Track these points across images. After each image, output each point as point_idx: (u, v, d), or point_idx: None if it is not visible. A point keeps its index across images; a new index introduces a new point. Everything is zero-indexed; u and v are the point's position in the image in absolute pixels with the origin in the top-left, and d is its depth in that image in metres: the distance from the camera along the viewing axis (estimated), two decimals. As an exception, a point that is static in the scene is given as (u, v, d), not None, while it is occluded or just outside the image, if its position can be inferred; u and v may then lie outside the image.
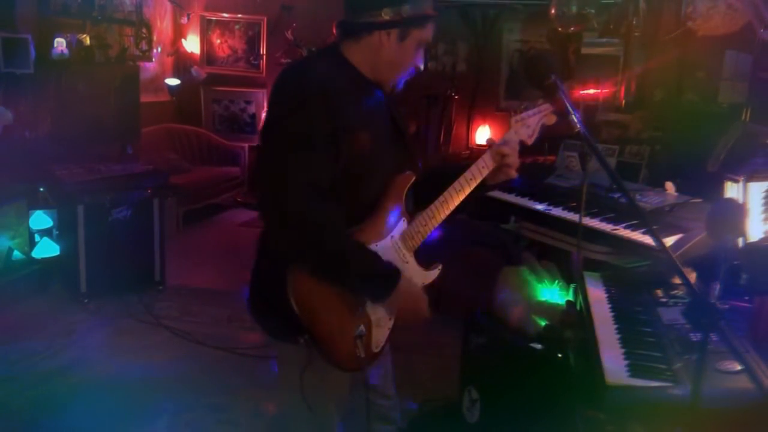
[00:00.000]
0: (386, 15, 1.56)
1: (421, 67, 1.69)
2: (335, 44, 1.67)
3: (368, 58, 1.62)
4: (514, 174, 1.72)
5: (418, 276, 1.71)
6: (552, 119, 1.75)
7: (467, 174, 1.68)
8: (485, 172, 1.69)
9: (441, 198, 1.68)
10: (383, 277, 1.55)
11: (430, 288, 1.74)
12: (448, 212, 1.69)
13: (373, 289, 1.56)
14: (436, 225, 1.69)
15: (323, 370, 1.60)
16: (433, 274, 1.74)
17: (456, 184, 1.68)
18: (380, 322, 1.65)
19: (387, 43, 1.59)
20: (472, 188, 1.69)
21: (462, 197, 1.69)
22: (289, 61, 6.76)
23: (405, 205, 1.68)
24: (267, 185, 1.50)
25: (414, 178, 1.70)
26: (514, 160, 1.68)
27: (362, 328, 1.59)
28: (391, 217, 1.65)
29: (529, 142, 1.73)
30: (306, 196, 1.45)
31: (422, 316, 1.65)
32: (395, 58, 1.62)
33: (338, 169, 1.52)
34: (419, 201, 1.71)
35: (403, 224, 1.67)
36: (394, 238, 1.64)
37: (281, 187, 1.46)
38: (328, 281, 1.52)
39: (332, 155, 1.51)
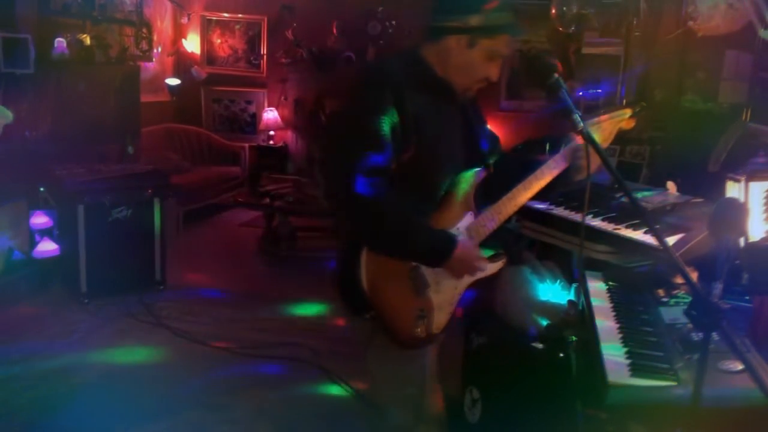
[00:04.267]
0: (458, 21, 1.65)
1: (494, 78, 1.74)
2: (416, 46, 1.76)
3: (440, 61, 1.72)
4: (584, 174, 1.76)
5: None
6: (631, 123, 1.84)
7: (537, 173, 1.76)
8: (555, 172, 1.77)
9: (509, 195, 1.76)
10: (441, 246, 1.65)
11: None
12: (515, 209, 1.77)
13: (432, 258, 1.66)
14: (503, 220, 1.78)
15: (387, 347, 1.71)
16: (497, 265, 1.82)
17: (525, 182, 1.76)
18: (442, 307, 1.74)
19: (456, 48, 1.68)
20: (540, 187, 1.77)
21: (530, 195, 1.77)
22: (289, 60, 6.77)
23: (473, 201, 1.76)
24: (335, 172, 1.62)
25: (483, 175, 1.78)
26: (585, 162, 1.71)
27: (424, 309, 1.69)
28: (459, 211, 1.75)
29: (605, 145, 1.81)
30: (370, 181, 1.55)
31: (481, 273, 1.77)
32: (462, 64, 1.70)
33: (408, 162, 1.62)
34: (487, 196, 1.79)
35: (469, 218, 1.76)
36: (459, 230, 1.73)
37: (348, 173, 1.56)
38: (391, 256, 1.64)
39: (399, 146, 1.60)
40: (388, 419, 1.87)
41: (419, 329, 1.67)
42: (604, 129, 1.82)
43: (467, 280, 1.77)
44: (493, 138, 2.00)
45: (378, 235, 1.61)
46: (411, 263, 1.68)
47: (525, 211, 2.86)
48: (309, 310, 4.20)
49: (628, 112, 1.82)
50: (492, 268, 1.80)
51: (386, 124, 1.58)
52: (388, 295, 1.65)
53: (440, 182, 1.74)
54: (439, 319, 1.75)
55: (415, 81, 1.66)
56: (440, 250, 1.65)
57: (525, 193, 1.76)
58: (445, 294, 1.74)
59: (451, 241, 1.66)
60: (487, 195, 1.79)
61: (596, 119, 1.81)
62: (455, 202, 1.74)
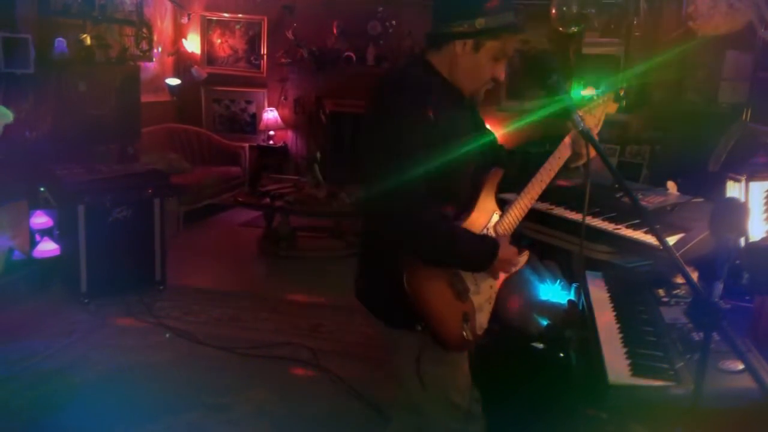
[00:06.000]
0: (462, 26, 1.66)
1: (501, 78, 1.77)
2: (422, 53, 1.78)
3: (447, 67, 1.74)
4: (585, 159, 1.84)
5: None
6: (614, 107, 1.90)
7: (546, 165, 1.82)
8: (561, 162, 1.83)
9: (525, 190, 1.81)
10: (487, 251, 1.71)
11: None
12: (532, 203, 1.83)
13: (479, 263, 1.71)
14: (524, 214, 1.83)
15: (438, 354, 1.74)
16: (524, 258, 1.87)
17: (538, 176, 1.81)
18: (483, 307, 1.79)
19: (462, 52, 1.70)
20: (552, 177, 1.83)
21: (544, 186, 1.83)
22: (289, 60, 6.77)
23: (496, 199, 1.81)
24: (375, 192, 1.62)
25: (502, 174, 1.82)
26: (584, 150, 1.79)
27: (467, 313, 1.73)
28: (488, 212, 1.80)
29: (596, 130, 1.88)
30: (412, 199, 1.58)
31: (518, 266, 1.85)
32: (470, 67, 1.72)
33: (434, 170, 1.62)
34: (501, 191, 1.85)
35: (495, 217, 1.80)
36: (488, 230, 1.78)
37: (390, 192, 1.57)
38: (441, 266, 1.68)
39: (429, 156, 1.61)
40: (427, 424, 1.88)
41: (465, 333, 1.70)
42: (594, 114, 1.89)
43: (502, 276, 1.82)
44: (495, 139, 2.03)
45: (427, 249, 1.63)
46: (450, 270, 1.70)
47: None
48: (309, 310, 4.21)
49: (611, 95, 1.88)
50: (521, 262, 1.84)
51: (421, 134, 1.60)
52: (433, 304, 1.68)
53: (465, 184, 1.77)
54: (481, 319, 1.78)
55: (432, 87, 1.69)
56: (487, 256, 1.70)
57: (540, 185, 1.81)
58: (484, 294, 1.79)
59: (494, 245, 1.71)
60: (499, 190, 1.85)
61: (587, 106, 1.87)
62: (482, 202, 1.78)
